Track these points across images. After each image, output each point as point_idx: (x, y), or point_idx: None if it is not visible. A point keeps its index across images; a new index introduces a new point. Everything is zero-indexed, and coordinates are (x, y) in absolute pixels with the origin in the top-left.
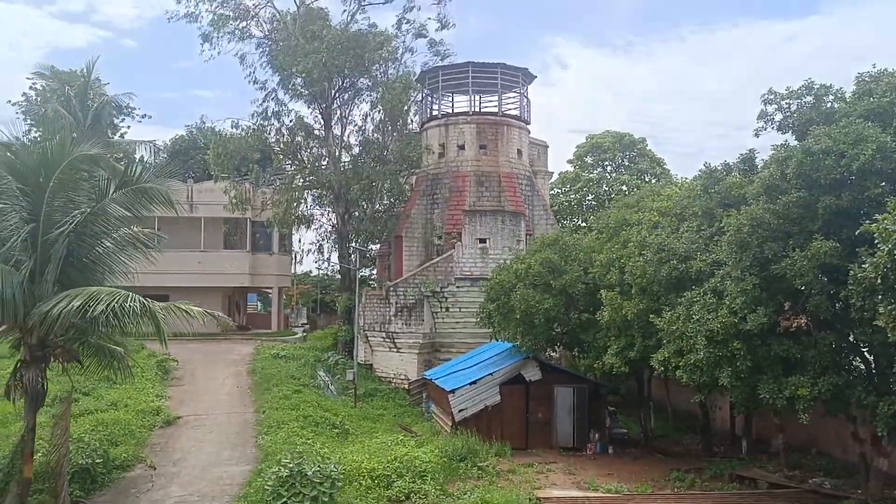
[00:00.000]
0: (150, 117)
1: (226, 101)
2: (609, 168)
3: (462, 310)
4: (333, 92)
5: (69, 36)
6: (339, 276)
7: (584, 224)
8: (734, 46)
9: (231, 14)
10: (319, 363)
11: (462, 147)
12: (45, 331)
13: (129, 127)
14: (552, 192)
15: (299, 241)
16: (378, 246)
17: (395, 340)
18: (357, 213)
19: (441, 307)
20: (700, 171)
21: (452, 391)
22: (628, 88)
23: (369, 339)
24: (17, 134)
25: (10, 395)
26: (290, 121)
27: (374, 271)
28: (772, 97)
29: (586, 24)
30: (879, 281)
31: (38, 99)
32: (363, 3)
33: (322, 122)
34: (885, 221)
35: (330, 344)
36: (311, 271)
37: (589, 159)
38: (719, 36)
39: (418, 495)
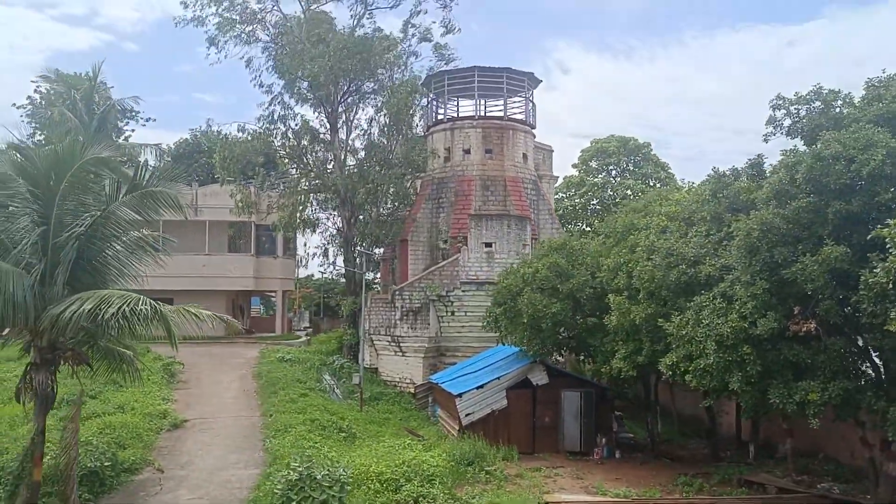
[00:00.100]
0: (155, 120)
1: (228, 105)
2: (614, 173)
3: (468, 314)
4: (339, 96)
5: (71, 39)
6: (342, 280)
7: (588, 228)
8: (735, 51)
9: (238, 18)
10: (325, 367)
11: (468, 151)
12: (56, 334)
13: (133, 130)
14: (556, 196)
15: (305, 244)
16: (382, 250)
17: (401, 344)
18: (362, 217)
19: (447, 311)
20: (708, 175)
21: (459, 395)
22: (629, 93)
23: (375, 342)
24: (26, 137)
25: (20, 397)
26: (296, 125)
27: (379, 275)
28: (780, 102)
29: (588, 28)
30: (891, 286)
31: (43, 102)
32: (370, 8)
33: (328, 126)
34: None
35: (335, 348)
36: (312, 275)
37: (594, 163)
38: (720, 41)
39: (427, 499)
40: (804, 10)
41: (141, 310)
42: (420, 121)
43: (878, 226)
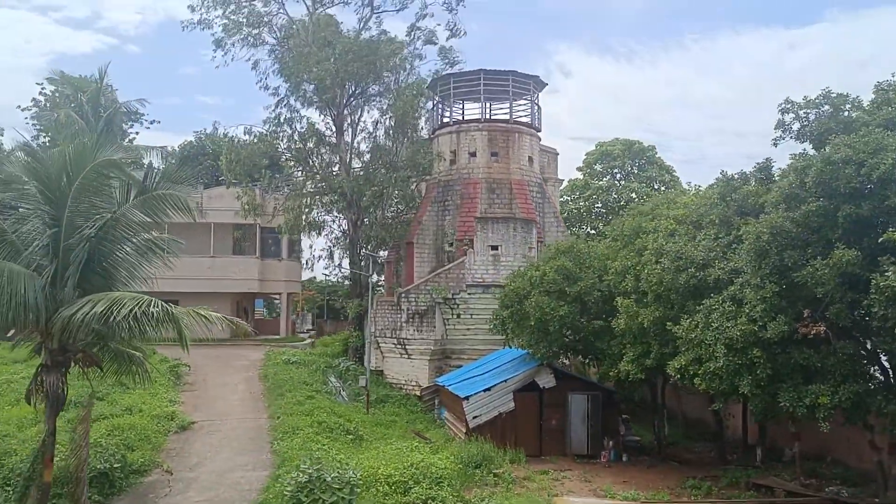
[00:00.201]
0: (160, 122)
1: (230, 107)
2: (618, 176)
3: (473, 316)
4: (345, 99)
5: (74, 42)
6: (346, 283)
7: (593, 231)
8: (736, 54)
9: (244, 21)
10: (330, 369)
11: (473, 154)
12: (67, 336)
13: (137, 133)
14: (561, 199)
15: (310, 247)
16: (386, 252)
17: (407, 347)
18: (367, 221)
19: (452, 314)
20: (717, 179)
21: (466, 398)
22: (630, 96)
23: (380, 345)
24: (30, 139)
25: (30, 399)
26: (302, 127)
27: (383, 277)
28: (789, 106)
29: (589, 31)
30: None
31: (48, 104)
32: (376, 11)
33: (333, 129)
34: None
35: (340, 350)
36: (315, 277)
37: (598, 167)
38: (721, 43)
39: (436, 502)
40: (805, 13)
41: (152, 312)
42: (426, 124)
43: (889, 229)
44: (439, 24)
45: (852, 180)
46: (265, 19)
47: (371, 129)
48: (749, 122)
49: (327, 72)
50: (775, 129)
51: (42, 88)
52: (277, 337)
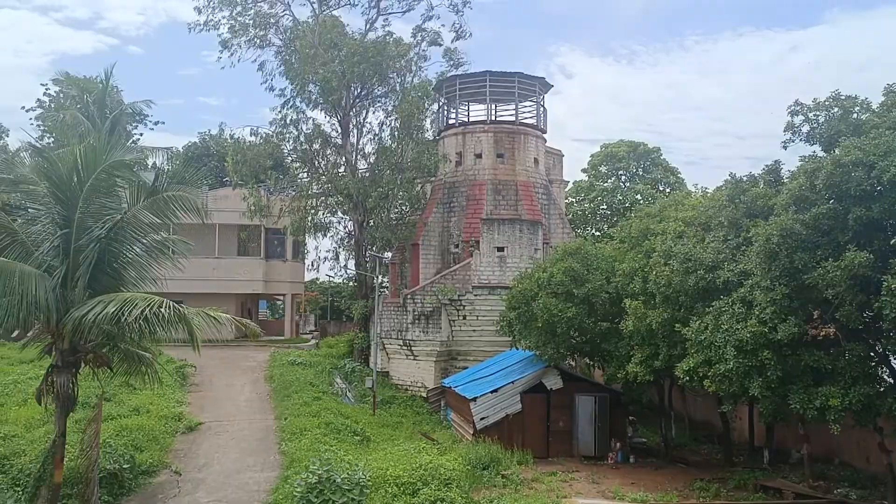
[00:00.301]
0: (164, 123)
1: (232, 108)
2: (623, 177)
3: (479, 318)
4: (351, 100)
5: (75, 43)
6: (350, 284)
7: (598, 233)
8: (737, 56)
9: (251, 22)
10: (336, 370)
11: (479, 156)
12: (78, 336)
13: (141, 134)
14: (566, 201)
15: (316, 248)
16: (390, 254)
17: (413, 348)
18: (372, 222)
19: (458, 315)
20: (725, 181)
21: (474, 399)
22: (631, 98)
23: (386, 346)
24: (43, 140)
25: (41, 399)
26: (308, 128)
27: (387, 279)
28: (798, 108)
29: (590, 33)
30: None
31: (52, 105)
32: (382, 13)
33: (339, 130)
34: None
35: (345, 351)
36: (317, 278)
37: (603, 168)
38: (722, 45)
39: (444, 503)
40: (806, 16)
41: (163, 313)
42: (431, 125)
43: None
44: (443, 26)
45: (863, 183)
46: (272, 21)
47: (377, 131)
48: (750, 124)
49: (333, 73)
50: (785, 131)
51: (46, 89)
52: (282, 338)
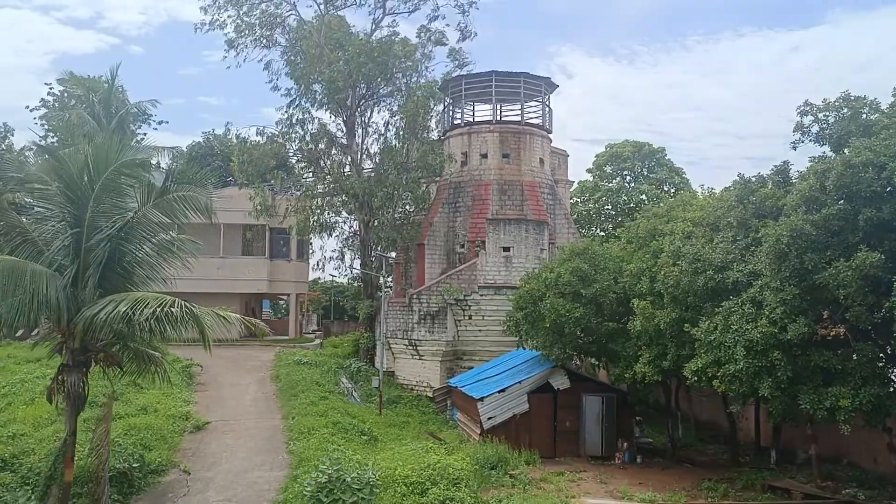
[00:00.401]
0: (168, 123)
1: (232, 108)
2: (628, 178)
3: (485, 318)
4: (357, 100)
5: (76, 42)
6: (354, 283)
7: (602, 233)
8: (738, 56)
9: (257, 22)
10: (342, 370)
11: (485, 156)
12: (89, 335)
13: (145, 134)
14: (570, 201)
15: (321, 248)
16: (394, 253)
17: (418, 348)
18: (376, 222)
19: (464, 315)
20: (734, 181)
21: (481, 399)
22: (632, 98)
23: (391, 346)
24: (47, 140)
25: (51, 398)
26: (314, 128)
27: (391, 278)
28: (808, 109)
29: (591, 32)
30: None
31: (56, 104)
32: (389, 13)
33: (344, 130)
34: None
35: (350, 351)
36: (319, 278)
37: (608, 168)
38: (724, 45)
39: (453, 503)
40: (807, 16)
41: (175, 312)
42: (436, 125)
43: None
44: (448, 25)
45: (873, 184)
46: (277, 20)
47: (382, 131)
48: (750, 124)
49: (339, 73)
50: (794, 131)
51: (51, 88)
52: (286, 337)
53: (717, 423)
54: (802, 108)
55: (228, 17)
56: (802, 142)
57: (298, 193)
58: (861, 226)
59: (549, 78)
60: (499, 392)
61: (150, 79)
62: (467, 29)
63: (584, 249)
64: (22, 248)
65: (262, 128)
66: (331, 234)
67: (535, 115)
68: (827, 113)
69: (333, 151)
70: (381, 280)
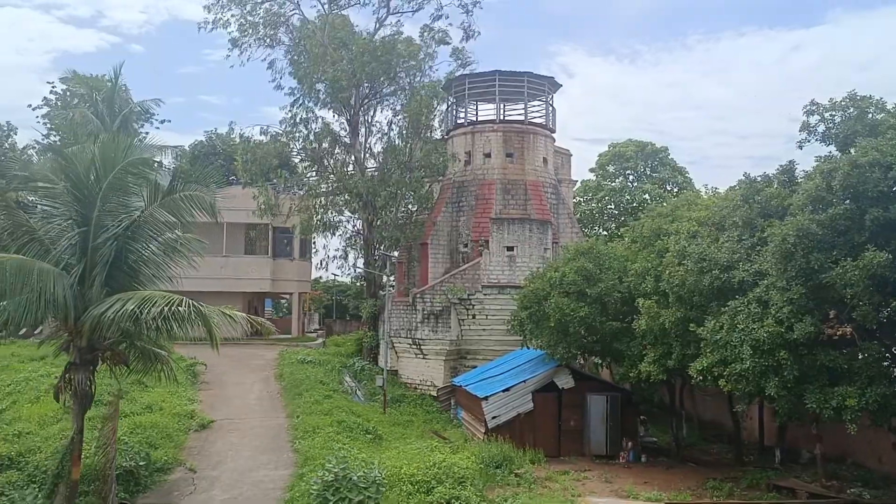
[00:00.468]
0: (170, 122)
1: (233, 107)
2: (631, 177)
3: (489, 317)
4: (361, 99)
5: (77, 41)
6: (357, 283)
7: (605, 233)
8: (739, 55)
9: (261, 21)
10: (345, 369)
11: (488, 155)
12: (97, 334)
13: (147, 133)
14: (573, 200)
15: (325, 247)
16: (397, 253)
17: (422, 347)
18: (379, 221)
19: (468, 314)
20: (739, 181)
21: (486, 398)
22: (633, 97)
23: (395, 345)
24: (49, 138)
25: (58, 396)
26: (317, 127)
27: (393, 278)
28: (814, 108)
29: (592, 32)
30: None
31: (59, 103)
32: (394, 12)
33: (348, 129)
34: None
35: (354, 350)
36: (320, 277)
37: (611, 168)
38: (724, 45)
39: (459, 501)
40: (808, 15)
41: (182, 311)
42: (440, 124)
43: None
44: (451, 24)
45: (880, 184)
46: (281, 19)
47: (385, 130)
48: (751, 123)
49: (343, 72)
50: (800, 130)
51: (53, 87)
52: (289, 336)
53: (721, 423)
54: (809, 107)
55: (232, 16)
56: (808, 141)
57: (302, 193)
58: (868, 225)
59: (552, 77)
60: (503, 391)
61: (151, 77)
62: (471, 28)
63: (588, 249)
64: (29, 247)
65: (265, 127)
66: (334, 234)
67: (539, 114)
68: (833, 112)
69: (337, 150)
70: (385, 279)
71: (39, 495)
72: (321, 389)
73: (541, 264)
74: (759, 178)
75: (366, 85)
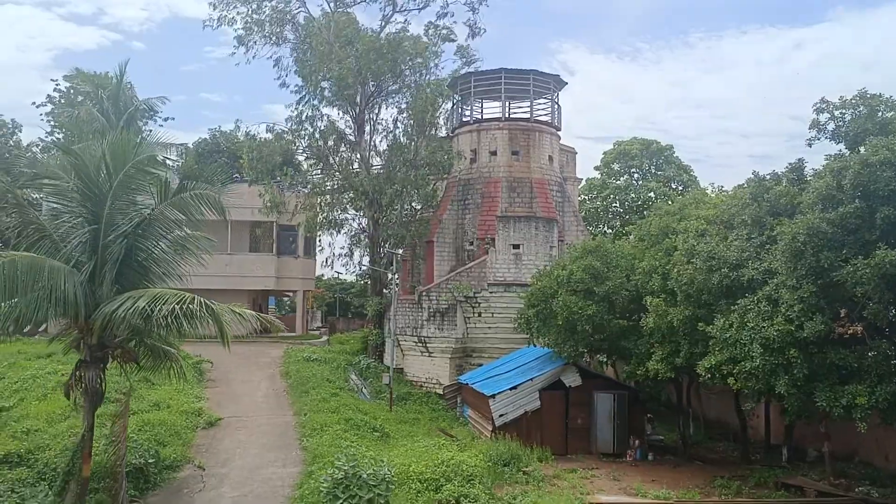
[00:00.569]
0: (174, 119)
1: (234, 105)
2: (636, 175)
3: (495, 315)
4: (366, 97)
5: (78, 38)
6: (361, 281)
7: (610, 231)
8: (741, 54)
9: (266, 19)
10: (351, 367)
11: (494, 153)
12: (108, 331)
13: (150, 130)
14: (578, 198)
15: (330, 244)
16: (401, 250)
17: (428, 345)
18: (384, 219)
19: (474, 312)
20: (748, 179)
21: (493, 396)
22: (635, 95)
23: (401, 343)
24: (53, 136)
25: (69, 394)
26: (323, 125)
27: (398, 276)
28: (824, 106)
29: (594, 30)
30: None
31: (63, 101)
32: (400, 10)
33: (354, 127)
34: None
35: (359, 347)
36: (323, 275)
37: (616, 166)
38: (726, 43)
39: (468, 499)
40: (811, 13)
41: (193, 308)
42: (445, 122)
43: None
44: (455, 22)
45: (891, 182)
46: (287, 17)
47: (391, 128)
48: (753, 121)
49: (348, 70)
50: (810, 128)
51: (56, 85)
52: (293, 334)
53: (727, 421)
54: (818, 105)
55: (238, 13)
56: (818, 139)
57: (307, 190)
58: (878, 224)
59: (557, 75)
60: (510, 389)
61: (152, 75)
62: (476, 26)
63: (596, 247)
64: (39, 245)
65: (271, 125)
66: (339, 231)
67: (544, 112)
68: (843, 110)
69: (342, 148)
70: (390, 277)
71: (50, 493)
72: (328, 387)
73: (546, 262)
74: (768, 177)
75: (371, 83)
